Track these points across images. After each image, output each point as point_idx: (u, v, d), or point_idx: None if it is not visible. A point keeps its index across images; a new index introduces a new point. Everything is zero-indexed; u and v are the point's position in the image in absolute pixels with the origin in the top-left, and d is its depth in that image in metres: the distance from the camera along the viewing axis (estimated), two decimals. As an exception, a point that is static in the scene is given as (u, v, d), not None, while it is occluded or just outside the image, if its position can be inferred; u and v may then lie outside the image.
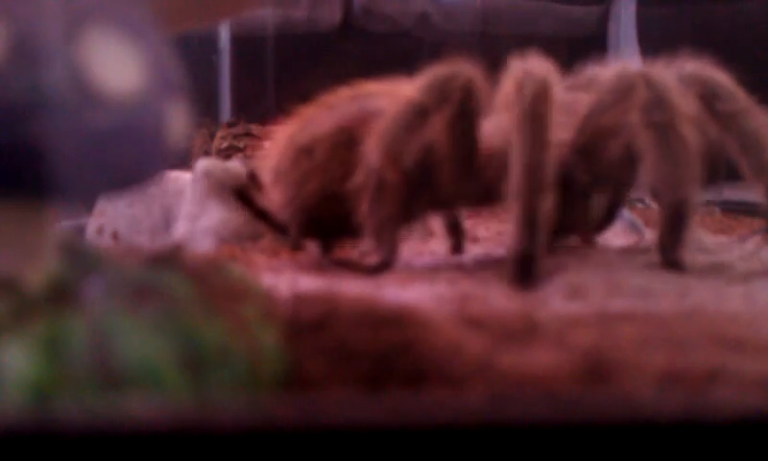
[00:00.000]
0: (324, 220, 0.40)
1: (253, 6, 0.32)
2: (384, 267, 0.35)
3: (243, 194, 0.45)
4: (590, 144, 0.38)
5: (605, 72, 0.39)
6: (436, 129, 0.35)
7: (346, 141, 0.38)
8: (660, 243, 0.35)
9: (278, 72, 1.40)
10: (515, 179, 0.32)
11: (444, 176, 0.38)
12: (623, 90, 0.36)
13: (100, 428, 0.14)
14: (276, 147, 0.42)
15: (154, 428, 0.14)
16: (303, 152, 0.40)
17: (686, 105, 0.35)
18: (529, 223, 0.32)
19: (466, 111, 0.36)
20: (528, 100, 0.33)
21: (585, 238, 0.43)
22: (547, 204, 0.32)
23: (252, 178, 0.45)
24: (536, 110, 0.33)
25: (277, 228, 0.45)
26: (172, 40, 0.21)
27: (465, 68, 0.36)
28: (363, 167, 0.35)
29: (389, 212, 0.35)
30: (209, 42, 1.42)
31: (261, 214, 0.45)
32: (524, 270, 0.32)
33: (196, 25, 0.31)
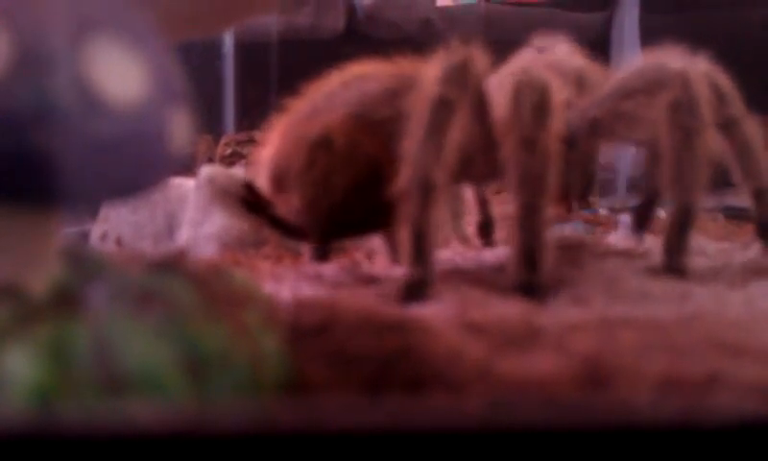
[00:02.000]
0: (352, 218, 0.38)
1: (258, 13, 0.32)
2: (421, 288, 0.32)
3: (254, 202, 0.41)
4: (604, 121, 0.37)
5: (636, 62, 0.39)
6: (462, 116, 0.34)
7: (368, 127, 0.36)
8: (667, 245, 0.36)
9: (282, 78, 1.40)
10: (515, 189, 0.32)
11: (475, 160, 0.36)
12: (657, 83, 0.36)
13: (103, 433, 0.14)
14: (275, 149, 0.39)
15: (156, 433, 0.14)
16: (319, 146, 0.37)
17: (710, 112, 0.35)
18: (528, 242, 0.32)
19: (482, 94, 0.36)
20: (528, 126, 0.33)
21: (567, 206, 0.43)
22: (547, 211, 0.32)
23: (250, 188, 0.40)
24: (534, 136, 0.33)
25: (295, 234, 0.41)
26: (176, 47, 0.21)
27: (471, 51, 0.35)
28: (405, 173, 0.33)
29: (432, 222, 0.33)
30: (213, 48, 1.43)
31: (275, 222, 0.41)
32: (527, 285, 0.32)
33: (200, 33, 0.32)
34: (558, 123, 0.33)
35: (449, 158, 0.33)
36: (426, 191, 0.32)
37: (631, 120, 0.37)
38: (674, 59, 0.37)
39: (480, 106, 0.35)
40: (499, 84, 0.37)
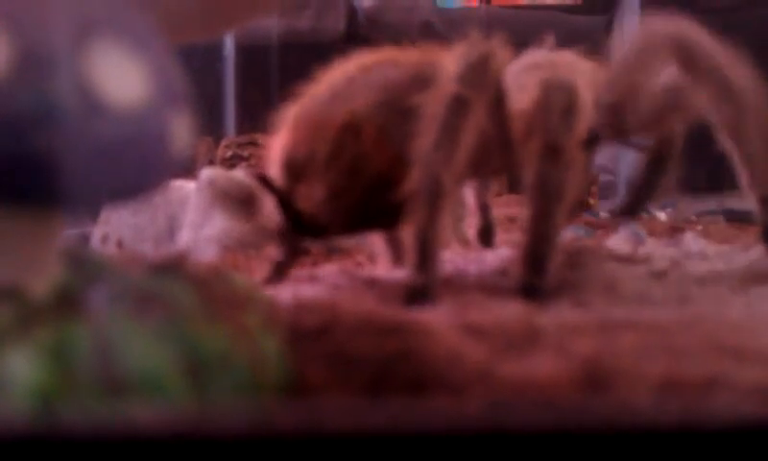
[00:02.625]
0: (377, 210, 0.36)
1: (259, 15, 0.32)
2: (424, 293, 0.31)
3: (283, 199, 0.37)
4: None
5: None
6: (478, 115, 0.33)
7: (395, 114, 0.34)
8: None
9: (282, 81, 1.40)
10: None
11: (486, 157, 0.35)
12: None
13: (104, 435, 0.14)
14: (290, 137, 0.37)
15: (157, 435, 0.14)
16: (346, 132, 0.35)
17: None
18: (540, 240, 0.32)
19: (500, 91, 0.35)
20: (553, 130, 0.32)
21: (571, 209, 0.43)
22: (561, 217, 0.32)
23: (264, 181, 0.37)
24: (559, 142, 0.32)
25: (311, 229, 0.37)
26: (177, 49, 0.21)
27: (490, 46, 0.34)
28: (415, 174, 0.32)
29: (439, 227, 0.32)
30: (214, 51, 1.43)
31: (292, 215, 0.37)
32: (531, 287, 0.32)
33: (201, 36, 0.32)
34: (582, 127, 0.33)
35: (461, 161, 0.32)
36: (435, 195, 0.31)
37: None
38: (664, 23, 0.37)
39: (497, 103, 0.35)
40: (512, 81, 0.36)
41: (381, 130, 0.35)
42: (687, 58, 0.35)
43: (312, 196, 0.36)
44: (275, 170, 0.37)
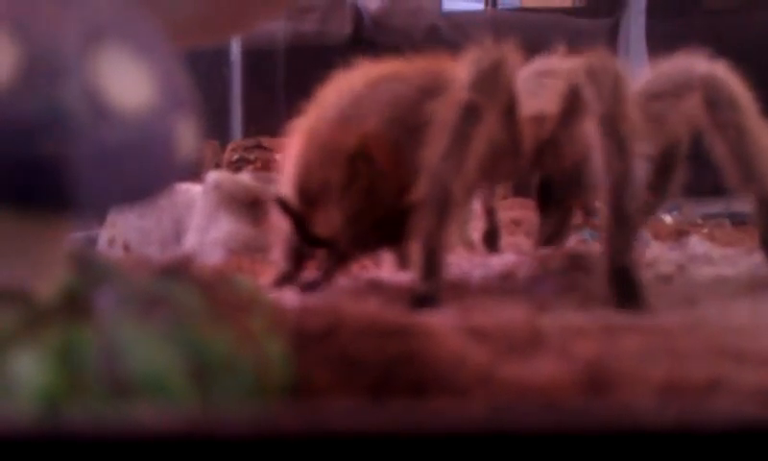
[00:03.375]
0: (393, 228, 0.35)
1: (264, 20, 0.32)
2: (430, 301, 0.31)
3: (299, 221, 0.36)
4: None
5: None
6: (490, 122, 0.33)
7: (405, 131, 0.34)
8: (763, 239, 0.36)
9: (289, 84, 1.41)
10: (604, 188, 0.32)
11: (497, 164, 0.35)
12: (684, 85, 0.36)
13: (110, 436, 0.14)
14: (302, 161, 0.36)
15: (163, 436, 0.14)
16: (358, 158, 0.35)
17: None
18: (622, 229, 0.31)
19: (512, 98, 0.35)
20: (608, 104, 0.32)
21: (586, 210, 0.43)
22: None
23: (283, 205, 0.36)
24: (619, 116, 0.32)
25: (330, 250, 0.37)
26: (183, 53, 0.21)
27: (503, 52, 0.34)
28: (423, 184, 0.31)
29: (446, 237, 0.32)
30: (221, 55, 1.43)
31: (311, 238, 0.36)
32: (623, 282, 0.31)
33: (208, 40, 0.32)
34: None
35: (471, 170, 0.32)
36: (444, 205, 0.31)
37: (658, 122, 0.37)
38: (699, 62, 0.36)
39: (509, 109, 0.34)
40: (523, 87, 0.36)
41: (394, 149, 0.34)
42: (713, 104, 0.35)
43: (329, 221, 0.35)
44: (286, 190, 0.37)
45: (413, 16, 1.52)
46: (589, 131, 0.32)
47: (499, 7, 1.69)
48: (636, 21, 1.35)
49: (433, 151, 0.32)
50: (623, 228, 0.31)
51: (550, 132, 0.37)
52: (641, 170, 0.32)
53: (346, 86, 0.36)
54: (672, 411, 0.15)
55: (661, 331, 0.25)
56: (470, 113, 0.32)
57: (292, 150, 0.37)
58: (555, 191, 0.41)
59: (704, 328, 0.25)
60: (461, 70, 0.33)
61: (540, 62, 0.40)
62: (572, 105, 0.35)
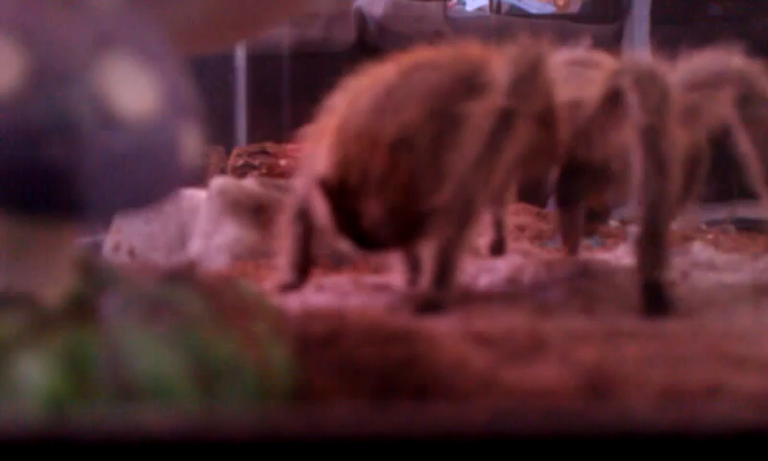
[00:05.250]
0: (420, 223, 0.33)
1: (270, 26, 0.32)
2: (436, 308, 0.30)
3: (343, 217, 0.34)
4: None
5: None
6: (525, 126, 0.31)
7: (445, 121, 0.32)
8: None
9: (293, 91, 1.41)
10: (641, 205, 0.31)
11: (534, 160, 0.34)
12: (719, 77, 0.35)
13: (115, 439, 0.14)
14: (335, 155, 0.34)
15: (167, 440, 0.14)
16: (398, 148, 0.33)
17: None
18: (655, 245, 0.31)
19: (550, 95, 0.33)
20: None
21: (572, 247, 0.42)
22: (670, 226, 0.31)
23: (328, 195, 0.35)
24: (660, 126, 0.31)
25: (369, 244, 0.35)
26: (188, 60, 0.22)
27: (540, 50, 0.32)
28: (449, 188, 0.31)
29: (464, 246, 0.31)
30: (226, 61, 1.44)
31: (354, 233, 0.35)
32: (655, 297, 0.31)
33: (213, 47, 0.32)
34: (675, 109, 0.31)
35: (499, 180, 0.31)
36: (467, 215, 0.30)
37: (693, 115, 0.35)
38: (734, 56, 0.35)
39: (547, 106, 0.33)
40: (559, 73, 0.35)
41: (431, 140, 0.33)
42: (747, 99, 0.35)
43: (368, 213, 0.34)
44: (318, 188, 0.35)
45: (417, 22, 1.53)
46: (629, 138, 0.32)
47: (504, 12, 1.69)
48: (639, 27, 1.35)
49: (463, 157, 0.31)
50: (656, 244, 0.31)
51: (585, 120, 0.35)
52: (677, 187, 0.31)
53: (378, 78, 0.35)
54: (671, 416, 0.15)
55: (664, 337, 0.25)
56: (505, 121, 0.31)
57: (323, 145, 0.35)
58: (575, 186, 0.40)
59: (705, 335, 0.25)
60: (499, 70, 0.32)
61: (573, 52, 0.39)
62: (612, 102, 0.34)
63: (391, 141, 0.33)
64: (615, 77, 0.34)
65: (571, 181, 0.39)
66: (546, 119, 0.33)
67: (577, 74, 0.37)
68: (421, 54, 0.35)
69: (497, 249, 0.46)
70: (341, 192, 0.34)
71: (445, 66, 0.34)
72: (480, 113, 0.31)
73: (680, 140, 0.31)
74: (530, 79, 0.32)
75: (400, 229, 0.34)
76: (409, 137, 0.33)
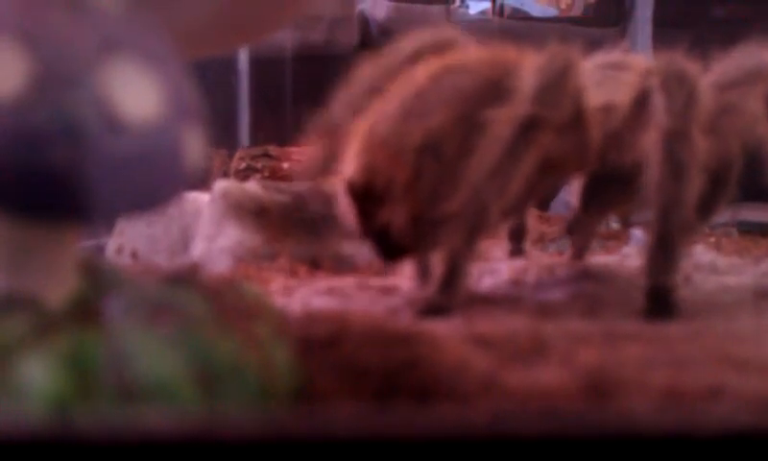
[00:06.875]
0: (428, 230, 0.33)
1: (272, 29, 0.32)
2: (441, 312, 0.30)
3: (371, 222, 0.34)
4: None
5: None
6: (548, 136, 0.31)
7: (472, 126, 0.31)
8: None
9: (296, 93, 1.41)
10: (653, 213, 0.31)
11: (564, 165, 0.34)
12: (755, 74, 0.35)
13: (118, 441, 0.14)
14: (363, 159, 0.33)
15: (170, 441, 0.14)
16: (425, 154, 0.32)
17: None
18: (665, 251, 0.30)
19: (580, 101, 0.32)
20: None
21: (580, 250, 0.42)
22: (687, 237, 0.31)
23: (358, 201, 0.34)
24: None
25: (394, 250, 0.35)
26: (191, 63, 0.22)
27: (571, 56, 0.32)
28: (463, 195, 0.30)
29: (474, 255, 0.31)
30: (228, 64, 1.44)
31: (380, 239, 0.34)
32: (660, 302, 0.30)
33: (216, 51, 0.32)
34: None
35: (515, 192, 0.30)
36: (478, 224, 0.30)
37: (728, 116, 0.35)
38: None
39: (577, 112, 0.33)
40: (591, 77, 0.34)
41: (458, 146, 0.32)
42: None
43: (395, 219, 0.33)
44: (344, 193, 0.34)
45: (420, 25, 1.53)
46: (650, 139, 0.31)
47: (507, 16, 1.69)
48: (642, 30, 1.35)
49: (480, 164, 0.30)
50: (666, 250, 0.30)
51: (618, 124, 0.35)
52: (694, 196, 0.30)
53: (408, 82, 0.34)
54: (672, 418, 0.15)
55: (665, 340, 0.25)
56: (527, 129, 0.30)
57: (350, 150, 0.34)
58: (605, 193, 0.39)
59: (707, 337, 0.25)
60: (526, 77, 0.31)
61: (605, 55, 0.39)
62: (644, 105, 0.33)
63: (417, 146, 0.32)
64: (646, 78, 0.33)
65: (600, 187, 0.39)
66: (576, 126, 0.33)
67: (610, 77, 0.36)
68: (454, 57, 0.35)
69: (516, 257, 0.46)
70: (367, 196, 0.33)
71: (476, 71, 0.33)
72: (502, 120, 0.30)
73: (702, 147, 0.31)
74: (557, 86, 0.31)
75: (423, 235, 0.33)
76: (436, 143, 0.32)
